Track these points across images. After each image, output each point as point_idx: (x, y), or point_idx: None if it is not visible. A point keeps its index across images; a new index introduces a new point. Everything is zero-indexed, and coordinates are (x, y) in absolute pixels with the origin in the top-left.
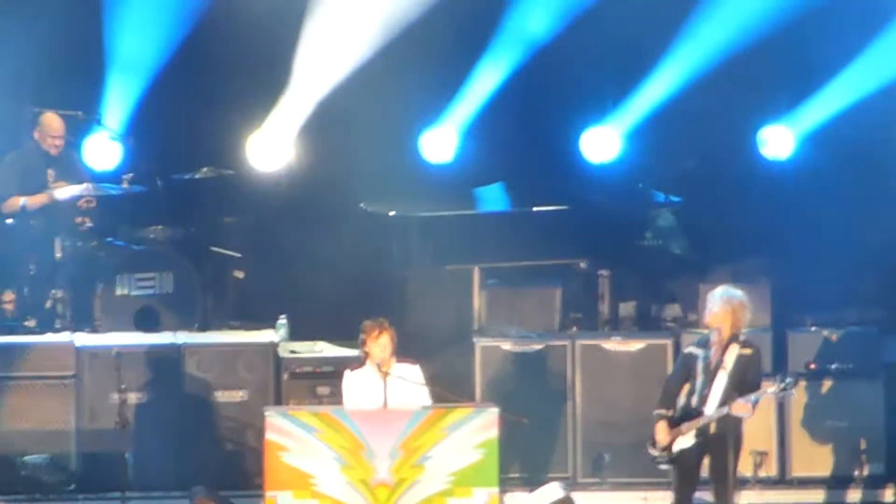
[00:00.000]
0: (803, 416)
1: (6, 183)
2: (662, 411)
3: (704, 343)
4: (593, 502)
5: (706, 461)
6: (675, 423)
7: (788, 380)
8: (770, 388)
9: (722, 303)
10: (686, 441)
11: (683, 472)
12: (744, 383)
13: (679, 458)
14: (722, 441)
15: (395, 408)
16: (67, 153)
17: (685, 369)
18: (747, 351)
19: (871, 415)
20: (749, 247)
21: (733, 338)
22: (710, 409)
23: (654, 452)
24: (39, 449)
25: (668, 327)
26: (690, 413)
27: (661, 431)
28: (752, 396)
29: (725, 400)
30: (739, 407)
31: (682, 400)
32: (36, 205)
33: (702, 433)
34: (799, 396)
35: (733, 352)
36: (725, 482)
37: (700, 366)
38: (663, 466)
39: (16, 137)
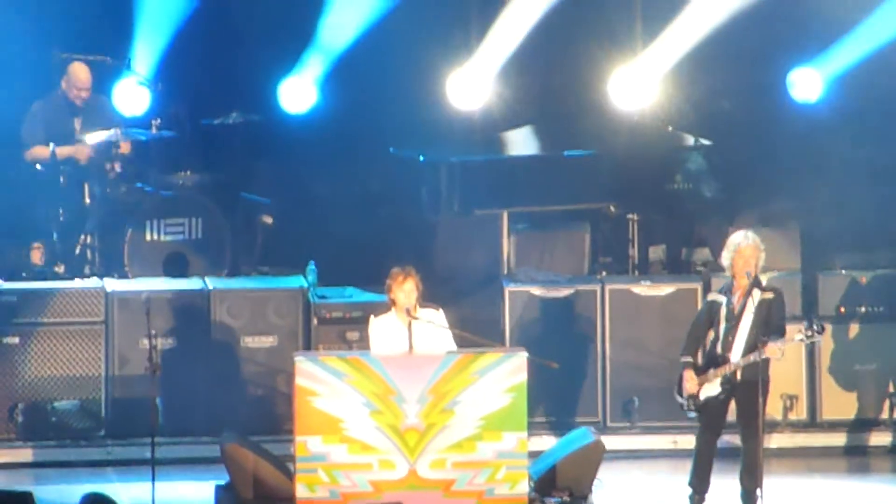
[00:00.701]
0: (833, 359)
1: (33, 131)
2: (689, 358)
3: (727, 290)
4: (623, 446)
5: (732, 406)
6: (701, 371)
7: (816, 326)
8: (797, 335)
9: (740, 248)
10: (713, 389)
11: (709, 420)
12: (769, 326)
13: (705, 405)
14: (749, 386)
15: (421, 353)
16: (96, 99)
17: (709, 316)
18: (769, 295)
19: None
20: (779, 190)
21: (755, 282)
22: (736, 355)
23: (681, 400)
24: (69, 395)
25: (697, 271)
26: (716, 360)
27: (690, 379)
28: (780, 343)
29: (750, 345)
30: (772, 350)
31: (709, 348)
32: (65, 155)
33: (727, 380)
34: (828, 340)
35: (755, 297)
36: (754, 426)
37: (723, 312)
38: (691, 414)
39: (44, 85)
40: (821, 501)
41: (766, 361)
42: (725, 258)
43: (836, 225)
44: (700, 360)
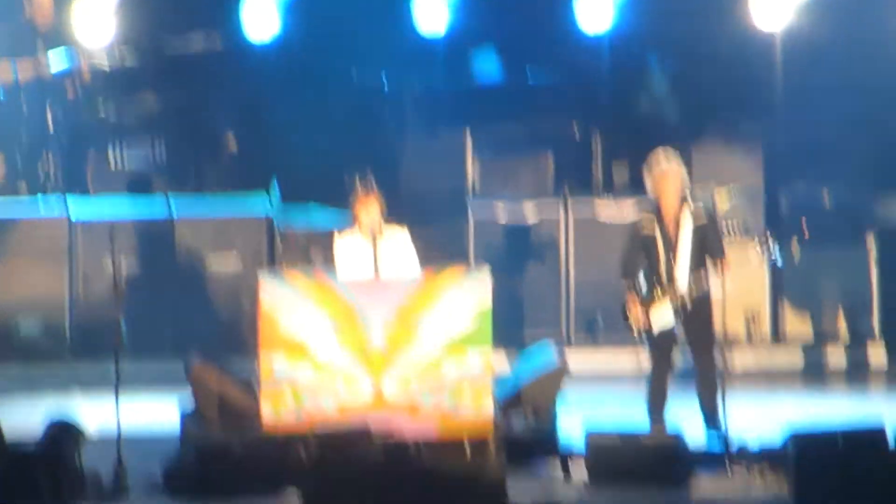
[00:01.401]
0: (795, 277)
1: None
2: (629, 281)
3: (654, 212)
4: (586, 365)
5: (682, 331)
6: (645, 301)
7: (766, 235)
8: (750, 251)
9: (664, 170)
10: (666, 320)
11: (662, 352)
12: (706, 247)
13: (660, 338)
14: (698, 309)
15: (386, 273)
16: (59, 24)
17: (643, 242)
18: (702, 220)
19: (861, 276)
20: (742, 109)
21: (684, 201)
22: (681, 281)
23: (636, 329)
24: (33, 316)
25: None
26: (661, 286)
27: (637, 314)
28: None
29: (693, 269)
30: (724, 265)
31: (647, 277)
32: (27, 75)
33: (677, 310)
34: (791, 258)
35: (688, 220)
36: (708, 344)
37: (660, 240)
38: (647, 345)
39: (6, 6)
40: (782, 417)
41: (707, 284)
42: (649, 182)
43: (799, 145)
44: (641, 288)
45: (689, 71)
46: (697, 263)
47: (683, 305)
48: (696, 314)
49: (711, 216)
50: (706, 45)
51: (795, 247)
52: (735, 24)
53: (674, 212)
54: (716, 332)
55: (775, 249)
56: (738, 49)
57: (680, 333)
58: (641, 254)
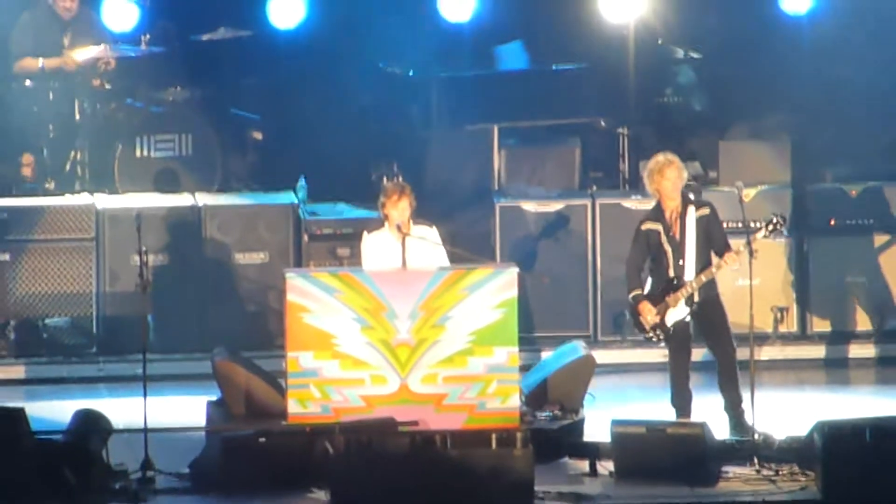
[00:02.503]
0: (823, 271)
1: (21, 43)
2: (638, 292)
3: (657, 215)
4: (614, 360)
5: (695, 327)
6: (657, 300)
7: (776, 220)
8: (759, 233)
9: (664, 171)
10: (679, 313)
11: (679, 342)
12: (711, 241)
13: (675, 330)
14: (709, 303)
15: (414, 268)
16: (85, 14)
17: (647, 245)
18: (705, 211)
19: (890, 270)
20: (769, 102)
21: (685, 201)
22: (690, 276)
23: (646, 334)
24: (61, 311)
25: (687, 185)
26: (671, 285)
27: (649, 311)
28: (730, 256)
29: (702, 264)
30: (732, 258)
31: (656, 276)
32: (54, 67)
33: (689, 301)
34: (818, 253)
35: (691, 216)
36: (725, 337)
37: (664, 238)
38: (661, 344)
39: None
40: (809, 413)
41: (713, 281)
42: (648, 183)
43: (826, 138)
44: (648, 289)
45: (717, 63)
46: (704, 257)
47: (694, 300)
48: (707, 307)
49: (712, 209)
50: (735, 35)
51: (822, 240)
52: (762, 14)
53: (676, 208)
54: (728, 323)
55: (777, 225)
56: (766, 40)
57: (693, 327)
58: (648, 256)
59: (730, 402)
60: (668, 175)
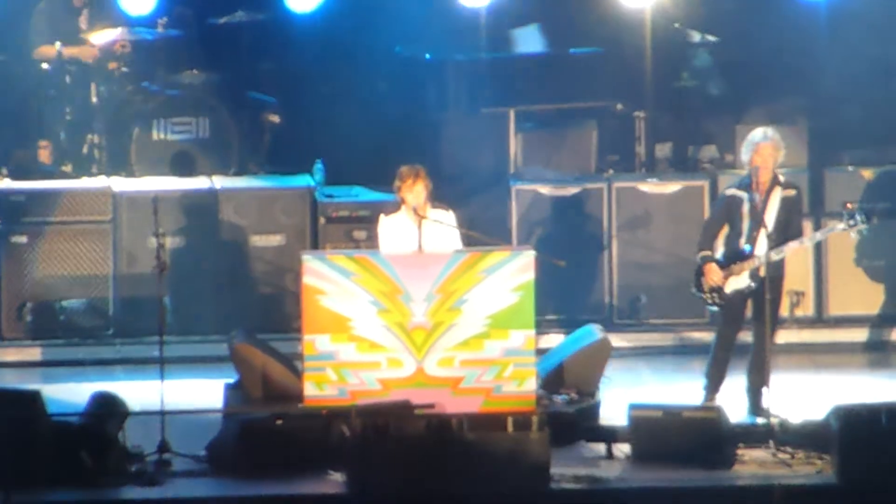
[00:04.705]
0: (840, 255)
1: (39, 30)
2: (707, 252)
3: (746, 185)
4: (630, 343)
5: (749, 302)
6: (723, 265)
7: (859, 216)
8: (839, 225)
9: (763, 144)
10: (740, 282)
11: (732, 314)
12: (789, 224)
13: (731, 299)
14: (771, 282)
15: (430, 251)
16: None
17: (727, 211)
18: (791, 192)
19: None
20: (786, 86)
21: (775, 179)
22: (760, 250)
23: (704, 294)
24: (77, 294)
25: (704, 168)
26: (740, 255)
27: (714, 272)
28: (818, 235)
29: (774, 242)
30: (804, 244)
31: (728, 243)
32: (72, 55)
33: (754, 275)
34: (834, 236)
35: (777, 193)
36: (771, 322)
37: (746, 208)
38: (713, 308)
39: None
40: (825, 397)
41: (782, 261)
42: (745, 154)
43: (843, 121)
44: (718, 255)
45: (734, 46)
46: (779, 236)
47: (759, 273)
48: (769, 285)
49: (798, 192)
50: (751, 19)
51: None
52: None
53: (766, 183)
54: (780, 309)
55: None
56: (782, 23)
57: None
58: (725, 224)
59: (752, 385)
60: (763, 151)
